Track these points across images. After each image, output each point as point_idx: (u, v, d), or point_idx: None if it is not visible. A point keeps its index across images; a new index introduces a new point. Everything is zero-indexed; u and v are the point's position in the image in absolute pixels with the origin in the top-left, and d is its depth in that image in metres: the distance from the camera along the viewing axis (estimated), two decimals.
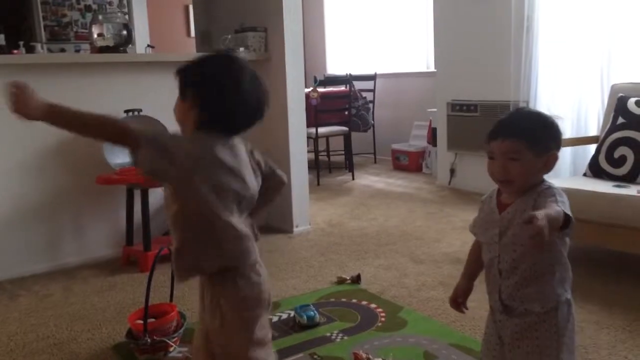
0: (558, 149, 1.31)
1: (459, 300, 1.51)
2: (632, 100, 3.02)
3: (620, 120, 3.01)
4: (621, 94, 3.11)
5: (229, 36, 3.61)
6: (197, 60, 1.39)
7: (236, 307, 1.37)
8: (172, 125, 3.21)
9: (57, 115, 1.29)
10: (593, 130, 3.63)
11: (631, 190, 2.64)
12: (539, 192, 1.29)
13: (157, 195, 3.16)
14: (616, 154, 2.95)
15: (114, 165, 3.08)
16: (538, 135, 1.29)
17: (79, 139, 3.09)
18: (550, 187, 1.29)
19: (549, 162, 1.29)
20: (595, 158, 3.06)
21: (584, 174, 3.08)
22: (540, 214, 1.10)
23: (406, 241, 3.39)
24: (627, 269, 2.75)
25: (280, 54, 3.52)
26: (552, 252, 1.31)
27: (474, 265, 1.50)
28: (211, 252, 1.35)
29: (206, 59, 1.40)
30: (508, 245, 1.31)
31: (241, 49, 3.52)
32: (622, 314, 2.26)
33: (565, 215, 1.21)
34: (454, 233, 3.50)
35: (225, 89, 1.34)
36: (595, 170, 3.03)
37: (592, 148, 3.14)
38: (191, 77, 1.36)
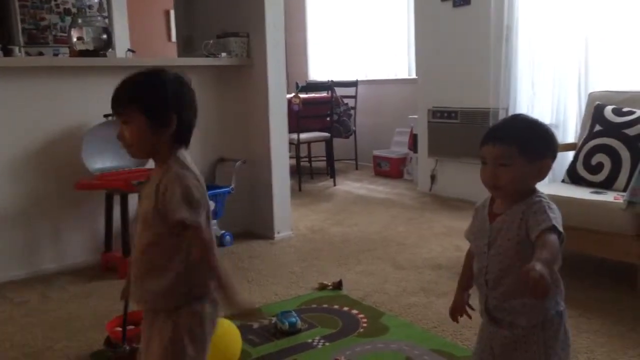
0: (553, 157, 1.30)
1: (457, 315, 1.49)
2: (609, 108, 3.07)
3: (598, 127, 3.06)
4: (598, 102, 3.17)
5: (211, 41, 3.60)
6: (152, 82, 1.34)
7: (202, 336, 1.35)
8: None
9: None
10: (571, 137, 3.69)
11: (608, 197, 2.69)
12: (529, 204, 1.27)
13: (136, 201, 3.12)
14: (593, 161, 3.00)
15: (93, 170, 3.04)
16: (531, 142, 1.28)
17: (57, 143, 3.05)
18: (541, 200, 1.27)
19: (542, 170, 1.28)
20: (573, 165, 3.10)
21: (562, 181, 3.12)
22: (537, 264, 1.09)
23: (387, 247, 3.40)
24: (604, 275, 2.79)
25: (263, 59, 3.52)
26: None
27: (468, 274, 1.48)
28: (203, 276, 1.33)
29: (159, 79, 1.34)
30: (495, 256, 1.30)
31: (223, 54, 3.51)
32: (599, 318, 2.29)
33: (556, 229, 1.21)
34: (435, 239, 3.51)
35: (194, 104, 1.36)
36: (573, 176, 3.08)
37: (570, 155, 3.18)
38: (165, 99, 1.31)
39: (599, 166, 2.97)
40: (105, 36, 3.14)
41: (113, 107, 1.34)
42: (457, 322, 1.50)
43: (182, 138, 1.34)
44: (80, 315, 2.51)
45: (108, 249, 3.10)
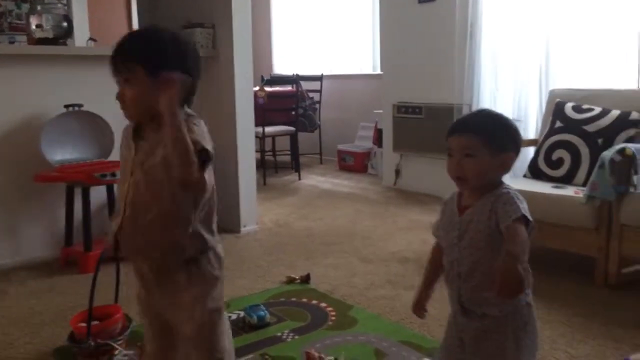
0: (516, 151, 1.33)
1: (420, 308, 1.49)
2: (569, 105, 3.16)
3: (558, 124, 3.14)
4: (559, 99, 3.25)
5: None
6: (155, 37, 1.31)
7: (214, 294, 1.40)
8: (116, 120, 3.09)
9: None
10: (532, 133, 3.78)
11: (569, 191, 2.77)
12: (497, 195, 1.29)
13: (98, 194, 3.05)
14: (554, 156, 3.08)
15: (53, 162, 2.94)
16: (495, 134, 1.31)
17: (14, 134, 2.95)
18: (509, 192, 1.29)
19: (506, 162, 1.31)
20: (534, 160, 3.18)
21: (524, 175, 3.19)
22: (510, 262, 1.14)
23: (354, 241, 3.42)
24: (565, 267, 2.87)
25: (229, 51, 3.47)
26: None
27: (433, 271, 1.49)
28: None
29: (162, 35, 1.31)
30: (467, 248, 1.32)
31: None
32: (561, 309, 2.36)
33: (525, 219, 1.24)
34: (400, 233, 3.55)
35: (198, 64, 1.35)
36: (534, 171, 3.15)
37: (531, 150, 3.26)
38: (168, 56, 1.28)
39: (559, 161, 3.05)
40: (65, 24, 3.04)
41: (114, 63, 1.28)
42: (423, 317, 1.51)
43: (184, 99, 1.31)
44: (40, 311, 2.43)
45: (68, 243, 3.01)
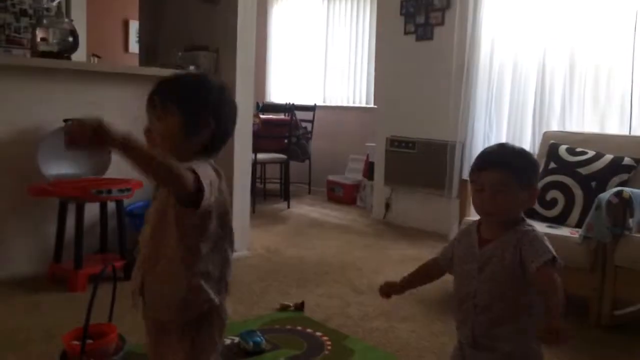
0: (537, 184, 1.37)
1: (388, 292, 1.49)
2: (563, 147, 3.22)
3: (552, 165, 3.20)
4: (553, 141, 3.32)
5: (180, 53, 3.55)
6: (197, 84, 1.32)
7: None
8: None
9: (132, 146, 1.11)
10: None
11: (564, 231, 2.80)
12: (522, 232, 1.30)
13: (91, 211, 3.00)
14: (548, 197, 3.12)
15: (48, 176, 2.90)
16: (524, 168, 1.33)
17: (10, 145, 2.90)
18: (533, 229, 1.32)
19: (532, 196, 1.33)
20: None
21: None
22: (553, 323, 1.14)
23: (346, 271, 3.40)
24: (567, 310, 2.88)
25: (231, 75, 3.49)
26: (530, 294, 1.31)
27: (420, 277, 1.51)
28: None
29: (205, 83, 1.33)
30: (487, 282, 1.32)
31: (191, 67, 3.47)
32: (555, 348, 2.36)
33: (554, 259, 1.25)
34: (392, 265, 3.54)
35: (234, 117, 1.34)
36: (527, 211, 3.17)
37: None
38: (206, 104, 1.28)
39: (553, 202, 3.09)
40: (71, 39, 3.04)
41: (151, 99, 1.27)
42: (387, 298, 1.50)
43: (213, 149, 1.30)
44: (28, 327, 2.35)
45: (57, 260, 2.95)
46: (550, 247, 1.27)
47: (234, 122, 1.35)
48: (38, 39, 3.00)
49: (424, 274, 1.52)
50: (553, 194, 3.11)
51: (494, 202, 1.30)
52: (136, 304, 1.32)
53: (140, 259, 1.32)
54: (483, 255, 1.33)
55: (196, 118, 1.26)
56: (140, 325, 1.38)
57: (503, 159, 1.34)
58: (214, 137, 1.28)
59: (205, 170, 1.21)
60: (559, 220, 3.02)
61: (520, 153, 1.40)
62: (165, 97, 1.27)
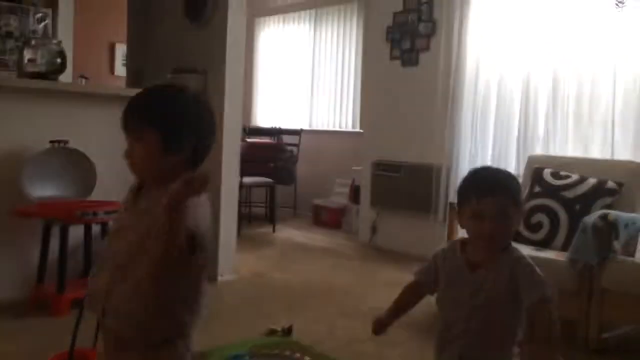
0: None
1: (383, 327, 1.51)
2: (548, 171, 3.27)
3: (537, 188, 3.24)
4: (537, 165, 3.37)
5: (168, 75, 3.56)
6: (172, 100, 1.24)
7: None
8: (100, 159, 3.05)
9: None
10: None
11: (550, 254, 2.82)
12: (515, 259, 1.31)
13: (76, 233, 2.96)
14: (533, 220, 3.15)
15: (33, 197, 2.86)
16: (518, 192, 1.35)
17: None
18: (523, 256, 1.33)
19: (521, 218, 1.35)
20: None
21: None
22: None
23: (332, 295, 3.38)
24: None
25: (220, 98, 3.50)
26: (520, 321, 1.33)
27: (406, 303, 1.52)
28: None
29: (180, 98, 1.25)
30: (482, 307, 1.32)
31: None
32: None
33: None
34: (379, 289, 3.53)
35: (213, 128, 1.29)
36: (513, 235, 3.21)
37: None
38: (184, 121, 1.21)
39: (538, 225, 3.12)
40: (59, 60, 3.03)
41: (125, 120, 1.22)
42: (383, 334, 1.51)
43: (194, 163, 1.24)
44: (10, 353, 2.29)
45: (40, 283, 2.88)
46: (544, 278, 1.28)
47: (214, 133, 1.29)
48: (26, 60, 2.99)
49: (408, 301, 1.51)
50: (538, 217, 3.14)
51: (496, 229, 1.29)
52: (94, 307, 1.24)
53: (110, 263, 1.24)
54: (476, 281, 1.33)
55: (175, 134, 1.20)
56: None
57: (503, 185, 1.34)
58: (196, 151, 1.23)
59: (205, 215, 1.18)
60: (545, 243, 3.04)
61: (511, 176, 1.42)
62: (140, 116, 1.22)
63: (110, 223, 2.95)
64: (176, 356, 1.23)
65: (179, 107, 1.23)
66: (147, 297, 1.18)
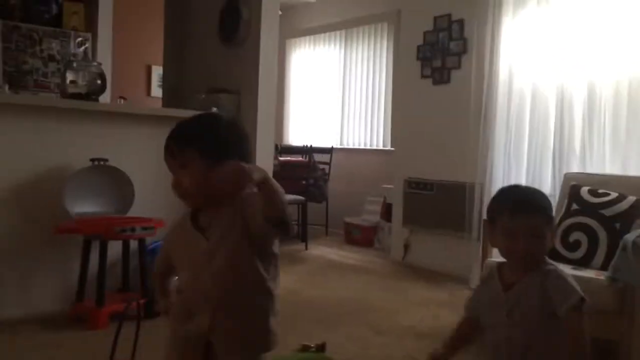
0: None
1: None
2: (585, 189, 3.21)
3: (575, 206, 3.18)
4: (574, 182, 3.31)
5: (203, 96, 3.64)
6: (211, 124, 1.35)
7: None
8: (138, 176, 3.13)
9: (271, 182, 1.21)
10: None
11: (589, 273, 2.76)
12: (545, 272, 1.30)
13: (114, 248, 3.02)
14: (571, 239, 3.08)
15: (73, 214, 2.94)
16: (551, 210, 1.34)
17: (37, 183, 2.93)
18: (555, 269, 1.31)
19: (553, 235, 1.34)
20: None
21: None
22: None
23: (366, 312, 3.37)
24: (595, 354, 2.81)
25: (253, 118, 3.56)
26: (564, 332, 1.31)
27: (460, 339, 1.48)
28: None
29: (217, 122, 1.37)
30: (518, 327, 1.30)
31: (214, 108, 3.54)
32: None
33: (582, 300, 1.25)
34: (413, 307, 3.50)
35: (248, 143, 1.39)
36: (551, 254, 3.14)
37: None
38: (224, 141, 1.30)
39: (577, 244, 3.05)
40: (99, 82, 3.13)
41: (169, 150, 1.29)
42: None
43: None
44: None
45: (80, 297, 2.95)
46: (575, 285, 1.26)
47: (250, 153, 1.38)
48: (68, 82, 3.10)
49: (465, 335, 1.48)
50: (576, 235, 3.08)
51: (529, 247, 1.29)
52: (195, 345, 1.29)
53: (201, 299, 1.29)
54: (509, 299, 1.32)
55: (219, 158, 1.25)
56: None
57: (538, 204, 1.33)
58: None
59: None
60: (583, 262, 2.97)
61: (543, 194, 1.41)
62: (183, 144, 1.28)
63: (148, 239, 3.02)
64: None
65: (216, 132, 1.32)
66: (261, 313, 1.30)
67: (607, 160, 3.61)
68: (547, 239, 1.31)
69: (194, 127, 1.33)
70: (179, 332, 1.32)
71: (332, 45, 6.68)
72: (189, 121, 1.35)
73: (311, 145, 5.82)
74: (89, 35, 5.41)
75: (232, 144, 1.31)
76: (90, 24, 5.49)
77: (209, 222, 1.31)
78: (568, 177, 3.46)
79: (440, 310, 3.40)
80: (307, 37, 6.99)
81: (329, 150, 6.12)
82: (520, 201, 1.35)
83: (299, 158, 5.88)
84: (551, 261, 1.36)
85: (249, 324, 1.28)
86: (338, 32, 6.58)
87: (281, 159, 5.50)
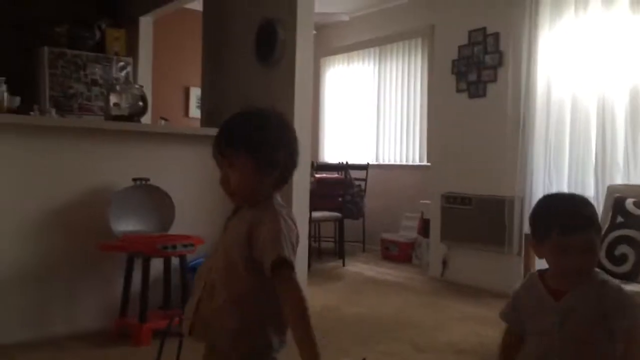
0: None
1: None
2: (630, 200, 3.12)
3: (619, 219, 3.09)
4: (618, 194, 3.23)
5: None
6: (259, 123, 1.31)
7: None
8: (179, 195, 3.19)
9: None
10: None
11: (636, 287, 2.67)
12: (601, 282, 1.27)
13: (156, 265, 3.09)
14: (617, 252, 3.00)
15: (117, 232, 3.02)
16: (598, 220, 1.31)
17: (82, 202, 3.02)
18: (610, 279, 1.29)
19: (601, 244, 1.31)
20: None
21: None
22: None
23: (405, 329, 3.33)
24: None
25: None
26: (615, 350, 1.28)
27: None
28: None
29: (266, 120, 1.32)
30: (570, 339, 1.27)
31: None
32: None
33: None
34: (453, 323, 3.45)
35: (297, 145, 1.35)
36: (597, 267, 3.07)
37: None
38: (272, 140, 1.28)
39: (623, 257, 2.97)
40: (141, 103, 3.23)
41: (217, 148, 1.29)
42: None
43: (282, 182, 1.32)
44: None
45: (123, 314, 3.02)
46: (634, 301, 1.23)
47: (298, 153, 1.35)
48: (111, 104, 3.21)
49: (512, 351, 1.44)
50: (622, 249, 2.99)
51: (584, 264, 1.27)
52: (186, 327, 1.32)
53: (202, 284, 1.31)
54: (562, 308, 1.29)
55: (268, 157, 1.26)
56: None
57: (587, 219, 1.30)
58: (285, 169, 1.30)
59: (290, 233, 1.25)
60: (630, 276, 2.88)
61: (589, 203, 1.38)
62: (232, 141, 1.27)
63: (189, 257, 3.07)
64: None
65: (267, 130, 1.29)
66: (234, 313, 1.25)
67: None
68: (599, 251, 1.28)
69: (244, 126, 1.30)
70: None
71: (367, 62, 6.72)
72: (239, 119, 1.33)
73: (347, 162, 5.83)
74: (130, 59, 5.60)
75: (281, 145, 1.30)
76: (131, 49, 5.69)
77: (237, 217, 1.33)
78: (611, 189, 3.38)
79: (481, 326, 3.33)
80: (342, 55, 7.06)
81: (365, 167, 6.12)
82: (571, 216, 1.30)
83: (335, 175, 5.90)
84: (600, 270, 1.33)
85: (238, 322, 1.26)
86: (372, 49, 6.62)
87: (317, 176, 5.52)
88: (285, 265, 1.20)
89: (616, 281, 1.28)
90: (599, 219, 1.36)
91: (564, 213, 1.33)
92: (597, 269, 1.33)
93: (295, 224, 1.30)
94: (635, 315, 1.21)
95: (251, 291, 1.25)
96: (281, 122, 1.35)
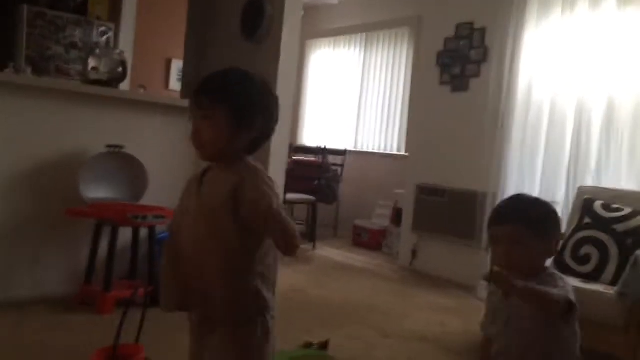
0: (560, 233, 1.36)
1: None
2: (599, 203, 3.18)
3: (587, 220, 3.15)
4: (587, 196, 3.29)
5: None
6: (244, 81, 1.28)
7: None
8: (153, 165, 3.15)
9: None
10: None
11: (598, 287, 2.74)
12: (542, 278, 1.29)
13: (125, 236, 3.05)
14: (581, 252, 3.06)
15: (87, 198, 2.97)
16: (539, 219, 1.32)
17: (53, 166, 2.97)
18: (554, 274, 1.31)
19: (554, 245, 1.33)
20: (560, 255, 3.17)
21: None
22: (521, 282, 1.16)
23: (371, 314, 3.36)
24: None
25: None
26: (559, 342, 1.30)
27: None
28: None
29: (250, 80, 1.29)
30: (513, 335, 1.30)
31: None
32: None
33: (569, 302, 1.24)
34: (419, 312, 3.49)
35: (277, 113, 1.32)
36: (560, 266, 3.12)
37: None
38: (254, 101, 1.26)
39: (587, 257, 3.03)
40: (121, 69, 3.17)
41: (197, 99, 1.25)
42: None
43: (255, 146, 1.29)
44: (54, 346, 2.37)
45: (88, 281, 2.98)
46: (563, 287, 1.25)
47: (277, 120, 1.33)
48: (89, 68, 3.14)
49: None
50: (587, 249, 3.05)
51: (509, 256, 1.29)
52: (169, 298, 1.30)
53: (183, 252, 1.29)
54: (507, 308, 1.32)
55: (245, 114, 1.23)
56: (168, 346, 1.38)
57: (517, 212, 1.33)
58: (260, 134, 1.27)
59: (273, 186, 1.23)
60: (593, 276, 2.95)
61: (535, 203, 1.39)
62: (213, 94, 1.24)
63: (158, 228, 3.04)
64: (266, 329, 1.28)
65: (249, 87, 1.27)
66: (228, 278, 1.24)
67: (623, 176, 3.58)
68: (533, 248, 1.29)
69: (226, 79, 1.28)
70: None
71: (352, 48, 6.69)
72: (223, 73, 1.30)
73: (325, 146, 5.82)
74: (112, 25, 5.47)
75: (260, 106, 1.27)
76: (114, 14, 5.56)
77: (209, 181, 1.29)
78: (582, 190, 3.44)
79: (446, 317, 3.38)
80: (328, 39, 7.01)
81: (343, 152, 6.12)
82: (502, 210, 1.37)
83: (312, 158, 5.89)
84: (552, 269, 1.36)
85: (234, 286, 1.25)
86: (359, 35, 6.59)
87: (294, 158, 5.51)
88: (277, 214, 1.20)
89: (560, 275, 1.30)
90: (563, 222, 1.38)
91: (503, 206, 1.37)
92: (551, 270, 1.35)
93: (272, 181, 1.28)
94: (563, 297, 1.23)
95: (244, 254, 1.24)
96: (264, 86, 1.33)
